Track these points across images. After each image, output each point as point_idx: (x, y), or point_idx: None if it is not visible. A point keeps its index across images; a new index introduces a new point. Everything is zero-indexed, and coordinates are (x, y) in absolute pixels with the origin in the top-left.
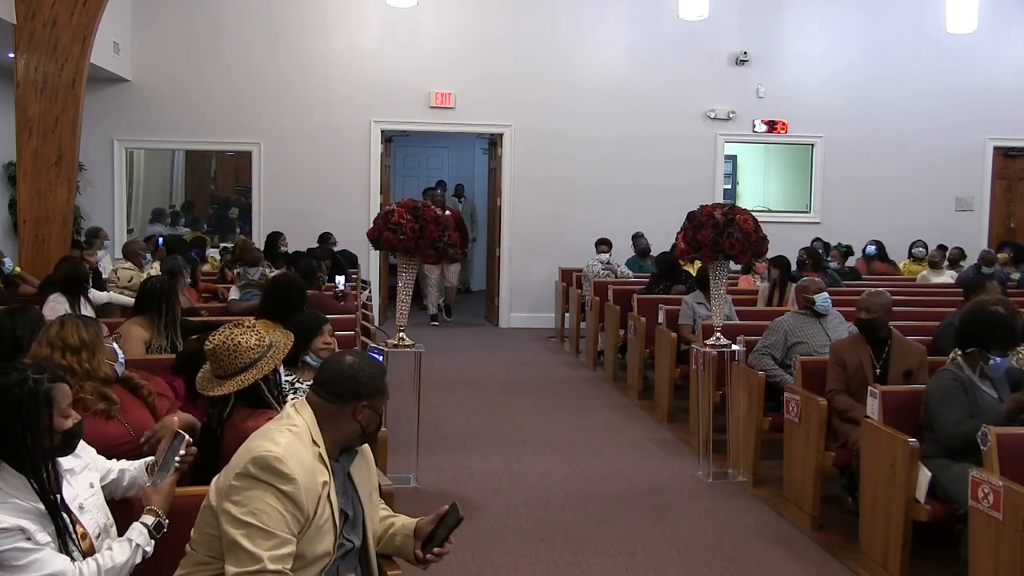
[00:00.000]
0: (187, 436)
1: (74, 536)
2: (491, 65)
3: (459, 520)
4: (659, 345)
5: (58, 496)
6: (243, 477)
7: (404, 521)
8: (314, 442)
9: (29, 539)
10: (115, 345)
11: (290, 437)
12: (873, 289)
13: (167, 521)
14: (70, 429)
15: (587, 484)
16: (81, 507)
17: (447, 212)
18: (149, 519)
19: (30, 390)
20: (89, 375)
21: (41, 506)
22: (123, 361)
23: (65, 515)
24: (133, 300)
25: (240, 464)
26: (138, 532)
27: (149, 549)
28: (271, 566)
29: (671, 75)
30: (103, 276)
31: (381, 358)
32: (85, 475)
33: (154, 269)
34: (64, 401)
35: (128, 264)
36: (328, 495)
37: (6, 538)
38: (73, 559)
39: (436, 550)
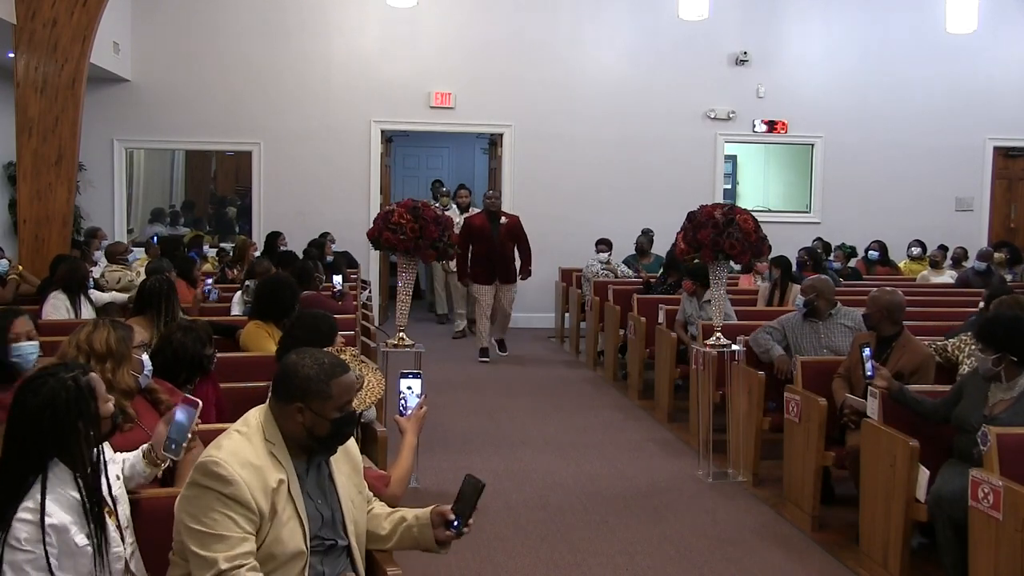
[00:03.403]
0: (198, 402)
1: (108, 529)
2: (491, 65)
3: (480, 488)
4: (659, 345)
5: (103, 487)
6: (190, 486)
7: (416, 512)
8: (267, 439)
9: (73, 536)
10: (144, 357)
11: (236, 439)
12: (886, 288)
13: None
14: (113, 411)
15: (587, 484)
16: (115, 499)
17: (503, 219)
18: None
19: (74, 388)
20: (110, 386)
21: (84, 499)
22: (149, 372)
23: (107, 503)
24: (128, 299)
25: (191, 474)
26: None
27: None
28: (224, 565)
29: (671, 75)
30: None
31: (420, 380)
32: (111, 467)
33: (144, 267)
34: (100, 387)
35: (114, 266)
36: (289, 492)
37: (50, 536)
38: (108, 550)
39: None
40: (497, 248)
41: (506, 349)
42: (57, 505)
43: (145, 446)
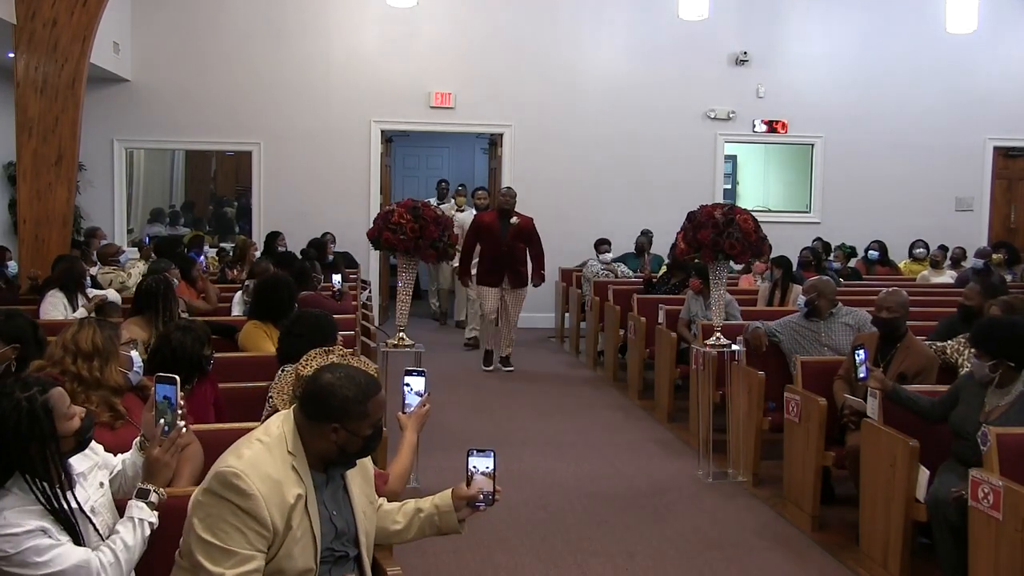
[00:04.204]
0: (174, 377)
1: (85, 541)
2: (491, 65)
3: (494, 457)
4: (659, 345)
5: (71, 502)
6: (206, 493)
7: (433, 500)
8: (289, 452)
9: (50, 537)
10: (133, 353)
11: (257, 449)
12: (891, 288)
13: (163, 491)
14: (79, 427)
15: (587, 484)
16: (93, 509)
17: (515, 220)
18: (143, 491)
19: (27, 410)
20: (99, 384)
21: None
22: (139, 369)
23: (84, 517)
24: (122, 299)
25: (207, 479)
26: (136, 508)
27: (154, 520)
28: None
29: (671, 75)
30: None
31: (423, 378)
32: (95, 475)
33: (136, 269)
34: (63, 404)
35: (107, 268)
36: (305, 507)
37: (28, 538)
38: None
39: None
40: (505, 249)
41: (511, 366)
42: (26, 516)
43: (138, 438)
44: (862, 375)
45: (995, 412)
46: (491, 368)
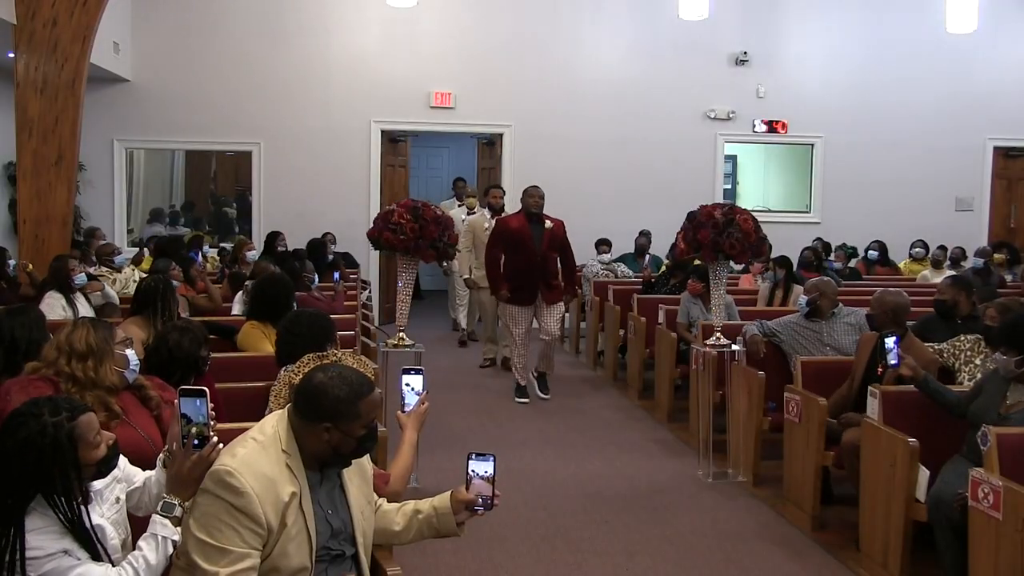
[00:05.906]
0: (203, 389)
1: (102, 560)
2: (491, 65)
3: (493, 460)
4: (659, 345)
5: (88, 524)
6: (202, 492)
7: (432, 502)
8: (284, 451)
9: (71, 556)
10: (129, 352)
11: (251, 447)
12: (890, 288)
13: (187, 504)
14: (104, 456)
15: (587, 484)
16: (103, 527)
17: (548, 224)
18: (168, 504)
19: (51, 437)
20: (94, 383)
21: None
22: (135, 367)
23: (96, 539)
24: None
25: (204, 479)
26: (160, 525)
27: (176, 538)
28: None
29: (671, 75)
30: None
31: (421, 377)
32: (112, 490)
33: (123, 274)
34: (91, 432)
35: (104, 269)
36: (300, 505)
37: (49, 561)
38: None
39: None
40: (538, 260)
41: (548, 390)
42: (48, 537)
43: (162, 455)
44: (893, 362)
45: (1016, 407)
46: (526, 400)
